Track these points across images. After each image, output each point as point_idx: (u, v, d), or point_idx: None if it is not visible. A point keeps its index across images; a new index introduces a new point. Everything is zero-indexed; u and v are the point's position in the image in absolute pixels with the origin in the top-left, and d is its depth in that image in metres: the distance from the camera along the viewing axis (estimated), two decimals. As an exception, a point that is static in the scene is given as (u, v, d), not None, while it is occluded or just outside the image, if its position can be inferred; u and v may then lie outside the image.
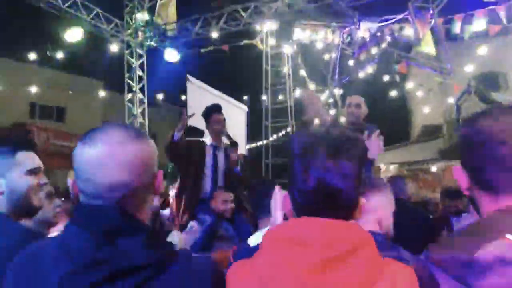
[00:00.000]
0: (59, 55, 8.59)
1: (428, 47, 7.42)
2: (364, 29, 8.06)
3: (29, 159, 1.46)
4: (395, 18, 7.28)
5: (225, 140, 3.96)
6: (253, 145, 14.89)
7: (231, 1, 7.85)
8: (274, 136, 14.74)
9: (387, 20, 7.43)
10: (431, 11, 7.00)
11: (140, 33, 8.50)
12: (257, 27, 8.85)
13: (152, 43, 8.92)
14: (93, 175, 0.88)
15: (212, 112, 3.86)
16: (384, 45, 7.77)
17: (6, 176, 1.41)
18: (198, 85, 9.48)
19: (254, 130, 14.01)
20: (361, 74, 10.97)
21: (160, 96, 10.94)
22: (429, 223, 3.53)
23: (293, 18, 8.79)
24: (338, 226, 0.90)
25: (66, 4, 7.08)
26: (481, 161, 0.91)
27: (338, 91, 19.17)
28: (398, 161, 13.22)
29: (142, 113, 8.49)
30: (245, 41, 9.86)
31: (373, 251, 0.89)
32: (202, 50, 9.18)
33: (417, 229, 2.80)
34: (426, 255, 0.92)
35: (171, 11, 8.56)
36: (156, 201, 3.85)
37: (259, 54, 13.24)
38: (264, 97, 14.46)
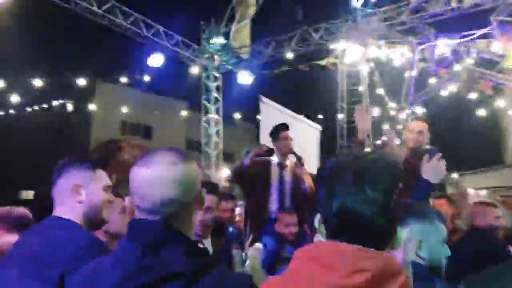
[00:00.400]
0: (146, 78, 9.34)
1: (513, 63, 6.86)
2: (443, 46, 7.67)
3: (105, 176, 1.63)
4: (475, 33, 6.85)
5: (291, 158, 3.95)
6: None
7: (303, 23, 7.97)
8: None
9: (467, 36, 7.02)
10: (517, 25, 6.48)
11: (216, 57, 8.94)
12: (331, 47, 8.85)
13: (228, 66, 9.33)
14: (148, 192, 1.03)
15: (280, 130, 3.91)
16: (465, 62, 7.32)
17: (88, 188, 1.55)
18: (270, 105, 9.68)
19: (329, 150, 13.87)
20: (443, 92, 10.41)
21: (236, 116, 11.35)
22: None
23: (367, 36, 8.67)
24: (363, 254, 0.90)
25: (151, 32, 7.70)
26: None
27: (421, 109, 18.33)
28: (490, 186, 12.19)
29: (217, 133, 8.86)
30: (320, 61, 9.90)
31: (404, 282, 0.87)
32: (276, 71, 9.39)
33: (489, 262, 2.60)
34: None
35: (245, 35, 8.90)
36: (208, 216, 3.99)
37: (334, 73, 13.17)
38: (339, 116, 14.29)
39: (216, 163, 8.92)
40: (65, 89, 14.05)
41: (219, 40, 9.03)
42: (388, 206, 0.93)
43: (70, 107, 17.05)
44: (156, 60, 7.72)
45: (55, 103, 16.01)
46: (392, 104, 13.68)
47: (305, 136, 8.79)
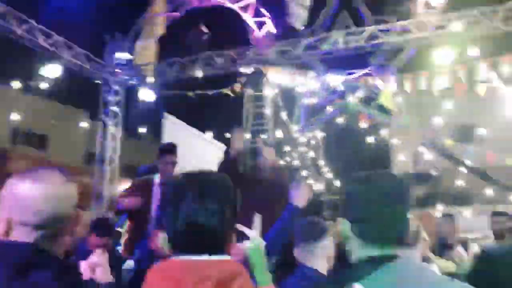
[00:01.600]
0: (43, 85, 8.89)
1: (387, 101, 7.87)
2: (332, 80, 8.53)
3: None
4: (358, 72, 7.75)
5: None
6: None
7: (207, 48, 8.28)
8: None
9: (352, 73, 7.91)
10: (391, 68, 7.50)
11: (118, 71, 8.86)
12: (237, 70, 9.26)
13: (132, 81, 9.28)
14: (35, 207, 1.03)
15: (165, 153, 4.04)
16: (349, 97, 8.23)
17: None
18: (174, 122, 9.79)
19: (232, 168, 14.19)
20: (338, 120, 11.41)
21: (141, 130, 11.21)
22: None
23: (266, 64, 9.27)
24: (206, 264, 0.99)
25: (50, 41, 7.44)
26: None
27: (320, 133, 19.54)
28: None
29: (114, 148, 8.72)
30: (225, 90, 10.27)
31: (245, 281, 0.99)
32: (190, 94, 9.53)
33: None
34: None
35: (151, 53, 8.97)
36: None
37: (240, 96, 13.67)
38: (245, 138, 14.79)
39: (112, 178, 8.75)
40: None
41: (123, 55, 8.98)
42: (225, 216, 1.07)
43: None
44: (51, 70, 7.45)
45: None
46: (294, 127, 14.56)
47: (211, 155, 9.02)
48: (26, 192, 1.04)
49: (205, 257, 1.00)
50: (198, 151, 9.43)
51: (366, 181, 1.13)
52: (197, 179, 1.10)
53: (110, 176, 8.83)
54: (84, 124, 14.12)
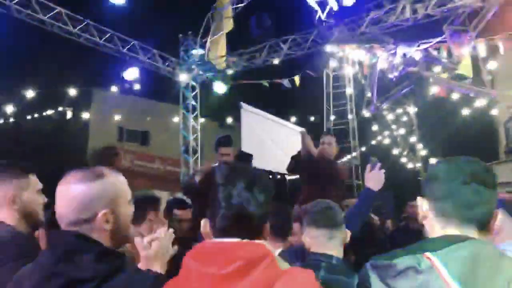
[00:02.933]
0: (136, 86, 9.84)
1: (466, 70, 7.15)
2: (401, 54, 7.98)
3: (37, 180, 1.72)
4: (431, 42, 7.16)
5: None
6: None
7: (272, 35, 8.34)
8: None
9: (424, 43, 7.32)
10: (469, 33, 6.78)
11: (194, 68, 9.37)
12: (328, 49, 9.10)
13: (207, 76, 9.76)
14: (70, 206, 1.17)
15: (220, 146, 4.14)
16: (421, 69, 7.62)
17: (23, 195, 1.63)
18: (250, 111, 10.04)
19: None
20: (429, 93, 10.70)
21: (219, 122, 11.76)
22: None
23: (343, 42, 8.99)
24: (237, 246, 1.06)
25: (127, 47, 8.16)
26: None
27: (413, 109, 18.46)
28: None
29: (196, 139, 9.30)
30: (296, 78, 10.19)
31: (272, 263, 1.03)
32: (265, 83, 9.68)
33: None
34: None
35: (221, 46, 9.30)
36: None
37: (319, 78, 13.49)
38: (325, 119, 14.62)
39: (195, 167, 9.36)
40: (61, 99, 14.59)
41: (197, 52, 9.46)
42: (267, 207, 1.14)
43: (67, 115, 17.62)
44: (131, 73, 8.20)
45: (51, 112, 16.51)
46: (378, 104, 13.97)
47: (289, 140, 9.13)
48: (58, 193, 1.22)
49: (236, 239, 1.08)
50: (279, 137, 9.56)
51: (450, 160, 1.16)
52: (247, 171, 1.18)
53: (195, 166, 9.44)
54: (177, 119, 15.13)
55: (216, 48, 9.41)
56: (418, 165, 17.69)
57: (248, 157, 7.62)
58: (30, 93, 10.20)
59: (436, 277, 0.93)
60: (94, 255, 1.07)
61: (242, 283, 0.98)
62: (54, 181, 1.32)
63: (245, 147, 8.59)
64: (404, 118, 17.79)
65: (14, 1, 6.92)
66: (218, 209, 1.10)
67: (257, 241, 1.08)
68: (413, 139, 17.95)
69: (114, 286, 1.05)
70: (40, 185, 1.71)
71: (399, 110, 17.38)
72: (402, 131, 17.35)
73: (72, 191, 1.17)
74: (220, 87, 9.15)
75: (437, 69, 8.27)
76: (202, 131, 9.93)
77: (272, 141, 9.34)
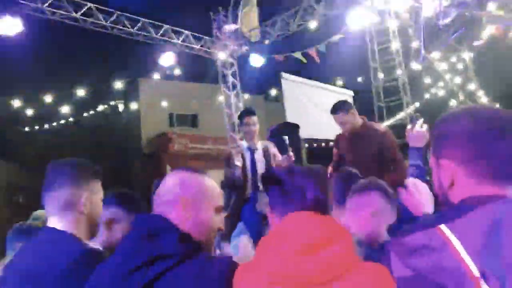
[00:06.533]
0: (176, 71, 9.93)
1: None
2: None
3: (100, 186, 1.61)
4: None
5: (267, 144, 4.12)
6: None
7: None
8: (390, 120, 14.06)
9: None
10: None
11: (229, 44, 9.24)
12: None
13: (242, 50, 9.60)
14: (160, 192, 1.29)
15: (244, 116, 4.07)
16: (472, 8, 6.94)
17: (91, 199, 1.51)
18: (292, 80, 9.81)
19: (368, 113, 13.68)
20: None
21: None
22: None
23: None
24: (318, 219, 1.11)
25: (160, 32, 8.18)
26: None
27: (468, 55, 17.26)
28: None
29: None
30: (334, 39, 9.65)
31: (347, 242, 1.06)
32: (299, 55, 9.34)
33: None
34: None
35: (253, 18, 9.07)
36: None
37: (361, 35, 12.85)
38: (372, 78, 13.99)
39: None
40: (111, 93, 15.16)
41: (230, 27, 9.31)
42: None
43: (119, 108, 18.32)
44: (167, 59, 8.22)
45: (103, 107, 17.22)
46: (429, 55, 13.15)
47: (334, 102, 8.85)
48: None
49: (315, 213, 1.14)
50: (322, 101, 9.29)
51: (472, 112, 1.00)
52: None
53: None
54: (221, 98, 15.22)
55: (248, 20, 9.19)
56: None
57: (294, 127, 7.44)
58: (82, 92, 10.67)
59: (448, 255, 0.77)
60: (175, 236, 1.14)
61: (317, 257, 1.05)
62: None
63: (290, 118, 8.44)
64: (460, 66, 16.64)
65: (46, 4, 7.11)
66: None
67: (331, 217, 1.19)
68: (471, 86, 16.78)
69: (195, 264, 1.11)
70: (102, 194, 1.60)
71: (453, 58, 16.26)
72: (458, 79, 16.25)
73: (170, 176, 1.30)
74: (257, 60, 8.95)
75: (491, 6, 7.52)
76: (248, 106, 9.89)
77: (317, 107, 9.10)
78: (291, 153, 3.75)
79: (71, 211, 1.45)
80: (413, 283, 0.84)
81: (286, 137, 3.92)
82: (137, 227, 1.20)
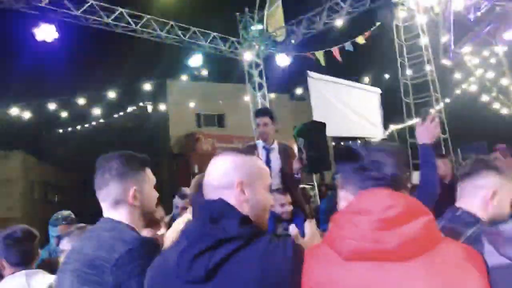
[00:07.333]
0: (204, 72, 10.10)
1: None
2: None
3: (151, 173, 1.62)
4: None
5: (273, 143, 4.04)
6: (399, 126, 14.32)
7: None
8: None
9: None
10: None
11: (255, 44, 9.34)
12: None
13: (269, 50, 9.68)
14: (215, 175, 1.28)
15: (257, 116, 4.09)
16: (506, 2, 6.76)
17: (143, 189, 1.55)
18: (319, 78, 9.79)
19: (395, 111, 13.51)
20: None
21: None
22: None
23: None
24: (392, 195, 1.09)
25: (187, 36, 8.35)
26: None
27: (501, 49, 16.87)
28: None
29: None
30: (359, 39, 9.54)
31: (429, 219, 1.03)
32: (320, 56, 9.29)
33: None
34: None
35: (278, 17, 9.13)
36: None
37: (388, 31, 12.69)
38: (400, 75, 13.78)
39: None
40: (140, 95, 15.54)
41: (256, 28, 9.39)
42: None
43: (148, 109, 18.73)
44: (195, 60, 8.39)
45: (132, 108, 17.63)
46: (458, 50, 12.86)
47: (365, 102, 8.79)
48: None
49: (390, 191, 1.13)
50: (350, 99, 9.24)
51: None
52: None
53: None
54: (247, 98, 15.34)
55: (274, 20, 9.26)
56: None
57: (321, 126, 7.47)
58: (112, 94, 10.99)
59: None
60: (237, 219, 1.16)
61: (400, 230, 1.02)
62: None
63: (317, 116, 8.44)
64: (492, 60, 16.14)
65: (80, 10, 7.39)
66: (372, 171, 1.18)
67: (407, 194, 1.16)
68: (505, 81, 16.27)
69: (259, 246, 1.13)
70: (154, 180, 1.62)
71: (486, 52, 15.79)
72: (490, 74, 15.79)
73: (219, 161, 1.27)
74: (283, 60, 9.02)
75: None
76: (274, 105, 9.94)
77: (344, 105, 9.06)
78: (303, 157, 3.78)
79: (122, 206, 1.50)
80: (508, 271, 0.86)
81: (301, 139, 3.92)
82: (200, 212, 1.22)
